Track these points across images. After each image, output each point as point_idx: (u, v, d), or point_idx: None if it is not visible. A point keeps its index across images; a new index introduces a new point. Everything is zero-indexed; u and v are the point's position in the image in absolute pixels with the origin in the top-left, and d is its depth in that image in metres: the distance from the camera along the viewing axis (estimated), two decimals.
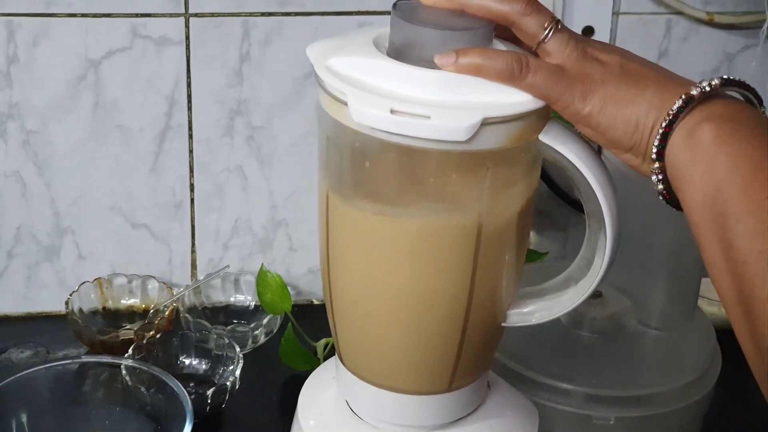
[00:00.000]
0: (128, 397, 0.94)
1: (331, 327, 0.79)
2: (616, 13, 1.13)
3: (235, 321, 1.15)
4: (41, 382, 0.91)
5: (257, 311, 1.16)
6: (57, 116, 1.08)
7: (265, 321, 1.12)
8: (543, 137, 0.70)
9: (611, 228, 0.72)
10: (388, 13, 0.70)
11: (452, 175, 0.71)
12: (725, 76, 0.66)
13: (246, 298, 1.18)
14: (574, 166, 0.71)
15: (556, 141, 0.70)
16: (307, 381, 0.86)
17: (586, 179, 0.71)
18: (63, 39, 1.05)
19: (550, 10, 0.72)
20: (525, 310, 0.78)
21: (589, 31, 1.13)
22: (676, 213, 0.67)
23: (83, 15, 1.05)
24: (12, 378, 0.89)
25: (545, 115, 0.70)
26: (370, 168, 0.72)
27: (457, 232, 0.72)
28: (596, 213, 0.73)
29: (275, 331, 1.13)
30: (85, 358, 0.99)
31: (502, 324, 0.78)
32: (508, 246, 0.74)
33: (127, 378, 0.94)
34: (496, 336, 0.79)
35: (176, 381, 0.90)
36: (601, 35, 1.13)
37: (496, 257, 0.74)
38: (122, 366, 0.95)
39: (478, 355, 0.78)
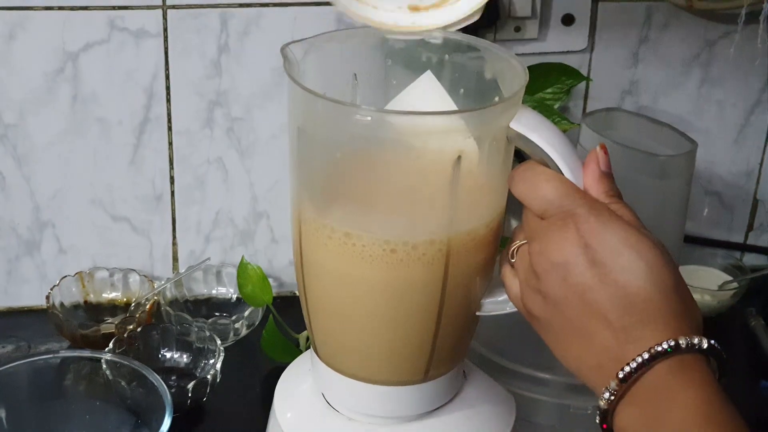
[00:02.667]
0: (109, 391, 0.94)
1: (306, 320, 0.79)
2: (596, 1, 1.12)
3: (216, 314, 1.15)
4: (22, 376, 0.91)
5: (239, 304, 1.15)
6: (35, 109, 1.07)
7: (246, 313, 1.12)
8: (514, 125, 0.70)
9: None
10: None
11: (424, 165, 0.71)
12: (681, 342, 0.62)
13: (228, 290, 1.17)
14: (547, 154, 0.70)
15: (527, 128, 0.70)
16: (283, 374, 0.86)
17: (558, 168, 0.70)
18: (40, 32, 1.05)
19: None
20: (500, 299, 0.77)
21: (568, 19, 1.12)
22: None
23: (60, 8, 1.04)
24: None
25: (516, 102, 0.70)
26: (341, 160, 0.71)
27: (429, 224, 0.71)
28: None
29: (257, 323, 1.12)
30: (65, 353, 0.99)
31: (477, 313, 0.77)
32: (481, 237, 0.74)
33: (108, 372, 0.94)
34: (471, 325, 0.79)
35: (156, 375, 0.90)
36: (581, 23, 1.12)
37: (469, 248, 0.73)
38: (103, 360, 0.94)
39: (453, 344, 0.77)
